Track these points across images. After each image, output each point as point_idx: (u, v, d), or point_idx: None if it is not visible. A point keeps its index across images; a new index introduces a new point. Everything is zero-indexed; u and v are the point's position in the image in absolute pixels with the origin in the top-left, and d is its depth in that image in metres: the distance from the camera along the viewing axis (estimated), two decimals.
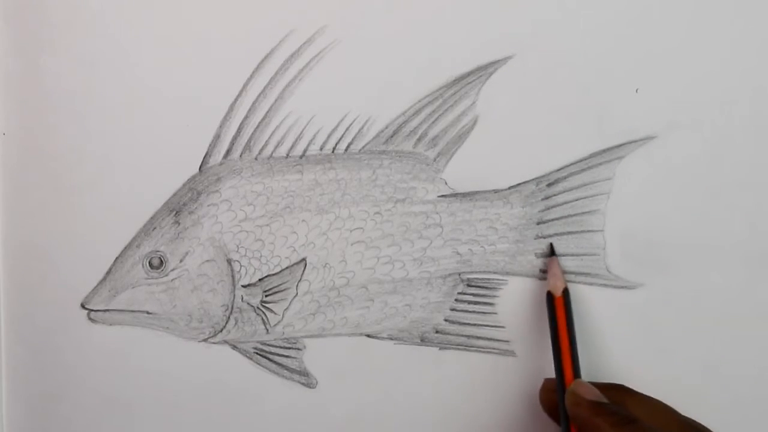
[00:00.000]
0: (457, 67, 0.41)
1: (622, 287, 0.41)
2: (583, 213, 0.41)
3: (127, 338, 0.42)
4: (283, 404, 0.42)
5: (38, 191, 0.42)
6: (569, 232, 0.41)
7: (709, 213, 0.41)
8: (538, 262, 0.41)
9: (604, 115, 0.41)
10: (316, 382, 0.42)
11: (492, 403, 0.42)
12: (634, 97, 0.41)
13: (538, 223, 0.41)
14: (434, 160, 0.41)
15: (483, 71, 0.41)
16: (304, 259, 0.42)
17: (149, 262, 0.42)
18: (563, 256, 0.41)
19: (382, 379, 0.42)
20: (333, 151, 0.41)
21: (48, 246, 0.42)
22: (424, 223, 0.42)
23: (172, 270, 0.42)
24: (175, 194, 0.41)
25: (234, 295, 0.42)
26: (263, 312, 0.42)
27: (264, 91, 0.41)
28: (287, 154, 0.41)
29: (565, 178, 0.41)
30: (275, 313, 0.42)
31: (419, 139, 0.41)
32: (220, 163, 0.41)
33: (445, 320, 0.42)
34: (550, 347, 0.39)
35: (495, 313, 0.42)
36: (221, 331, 0.42)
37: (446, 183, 0.41)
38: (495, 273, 0.42)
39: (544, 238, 0.41)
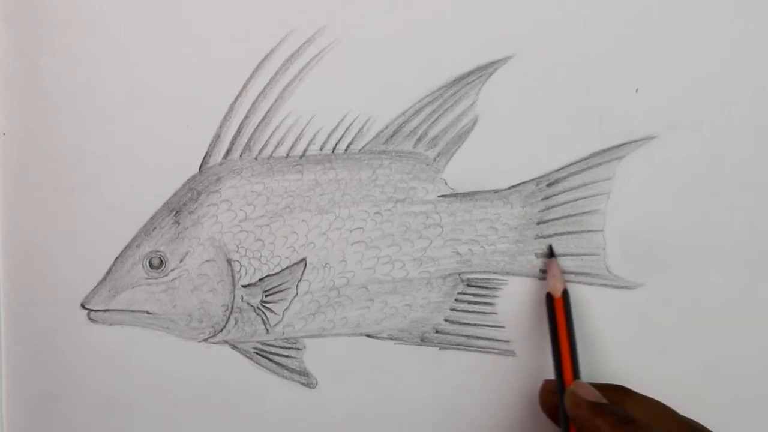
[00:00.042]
0: (457, 67, 0.41)
1: (622, 287, 0.41)
2: (583, 213, 0.41)
3: (127, 338, 0.42)
4: (283, 404, 0.42)
5: (38, 191, 0.42)
6: (569, 232, 0.41)
7: (709, 213, 0.41)
8: (538, 262, 0.41)
9: (604, 115, 0.41)
10: (316, 382, 0.42)
11: (492, 403, 0.42)
12: (634, 97, 0.41)
13: (538, 223, 0.41)
14: (434, 160, 0.41)
15: (483, 71, 0.41)
16: (304, 259, 0.42)
17: (149, 262, 0.42)
18: (563, 256, 0.41)
19: (382, 379, 0.42)
20: (333, 151, 0.41)
21: (48, 246, 0.42)
22: (424, 223, 0.42)
23: (172, 270, 0.42)
24: (175, 194, 0.41)
25: (234, 295, 0.42)
26: (263, 312, 0.42)
27: (264, 91, 0.41)
28: (287, 154, 0.41)
29: (565, 178, 0.41)
30: (275, 313, 0.42)
31: (419, 139, 0.41)
32: (220, 163, 0.41)
33: (445, 320, 0.42)
34: (550, 347, 0.39)
35: (495, 313, 0.42)
36: (221, 331, 0.42)
37: (446, 183, 0.41)
38: (495, 273, 0.42)
39: (544, 238, 0.41)
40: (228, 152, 0.41)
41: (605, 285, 0.41)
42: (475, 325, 0.42)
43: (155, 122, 0.41)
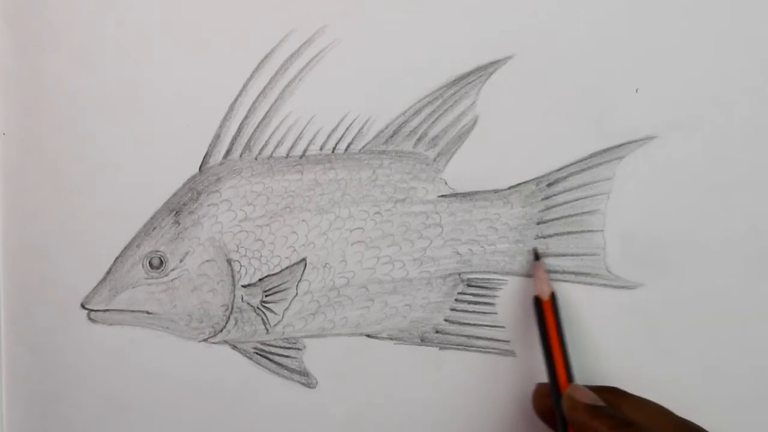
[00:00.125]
0: (457, 67, 0.41)
1: (622, 287, 0.41)
2: (583, 213, 0.41)
3: (127, 338, 0.42)
4: (283, 404, 0.42)
5: (38, 191, 0.42)
6: (569, 232, 0.41)
7: (709, 213, 0.41)
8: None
9: (604, 115, 0.41)
10: (316, 382, 0.42)
11: (492, 403, 0.42)
12: (634, 97, 0.41)
13: (538, 223, 0.41)
14: (434, 160, 0.41)
15: (483, 71, 0.41)
16: (304, 259, 0.42)
17: (149, 262, 0.42)
18: (563, 256, 0.41)
19: (382, 379, 0.42)
20: (333, 151, 0.41)
21: (48, 246, 0.42)
22: (424, 223, 0.42)
23: (172, 270, 0.42)
24: (175, 194, 0.41)
25: (234, 295, 0.42)
26: (263, 312, 0.42)
27: (264, 91, 0.41)
28: (287, 154, 0.41)
29: (565, 178, 0.41)
30: (275, 313, 0.42)
31: (419, 139, 0.41)
32: (220, 163, 0.41)
33: (445, 320, 0.42)
34: (542, 351, 0.39)
35: (495, 313, 0.42)
36: (221, 331, 0.42)
37: (446, 183, 0.41)
38: (495, 273, 0.42)
39: (544, 238, 0.41)
40: (228, 152, 0.41)
41: (605, 285, 0.41)
42: (475, 325, 0.42)
43: (155, 122, 0.41)
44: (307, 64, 0.41)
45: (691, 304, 0.41)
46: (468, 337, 0.42)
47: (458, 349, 0.42)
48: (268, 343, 0.42)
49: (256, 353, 0.42)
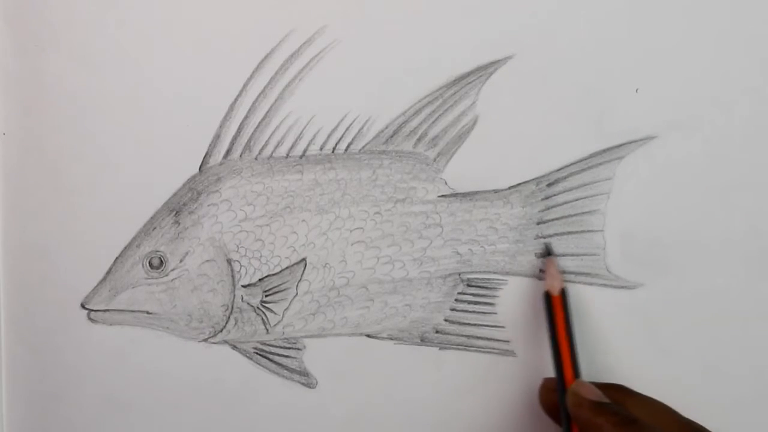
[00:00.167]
0: (457, 67, 0.41)
1: (622, 287, 0.41)
2: (583, 213, 0.41)
3: (127, 338, 0.42)
4: (283, 404, 0.42)
5: (38, 191, 0.42)
6: (569, 232, 0.41)
7: (709, 213, 0.41)
8: (538, 262, 0.41)
9: (604, 115, 0.41)
10: (316, 382, 0.42)
11: (492, 403, 0.42)
12: (634, 97, 0.41)
13: (538, 223, 0.41)
14: (434, 160, 0.41)
15: (483, 71, 0.41)
16: (304, 259, 0.42)
17: (149, 262, 0.42)
18: (563, 256, 0.41)
19: (382, 379, 0.42)
20: (333, 151, 0.41)
21: (48, 246, 0.42)
22: (424, 223, 0.42)
23: (172, 270, 0.42)
24: (175, 194, 0.41)
25: (234, 295, 0.42)
26: (263, 312, 0.42)
27: (264, 91, 0.41)
28: (287, 154, 0.41)
29: (565, 178, 0.41)
30: (275, 313, 0.42)
31: (419, 139, 0.41)
32: (220, 163, 0.41)
33: (445, 320, 0.42)
34: (550, 347, 0.39)
35: (495, 313, 0.42)
36: (221, 331, 0.42)
37: (446, 183, 0.41)
38: (495, 273, 0.42)
39: (544, 238, 0.41)
40: (228, 152, 0.41)
41: (605, 285, 0.41)
42: (475, 325, 0.42)
43: (155, 122, 0.41)
44: (307, 64, 0.41)
45: (691, 304, 0.41)
46: (468, 337, 0.42)
47: (458, 349, 0.42)
48: (268, 343, 0.42)
49: (256, 353, 0.42)
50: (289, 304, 0.42)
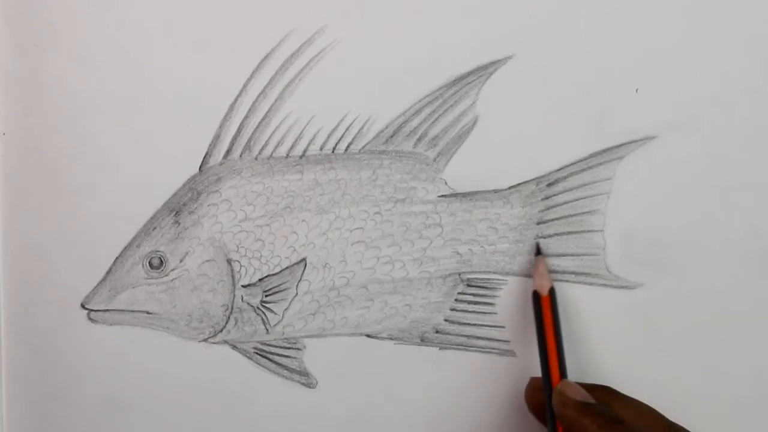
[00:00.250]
0: (457, 67, 0.41)
1: (622, 287, 0.41)
2: (583, 213, 0.41)
3: (127, 338, 0.42)
4: (283, 404, 0.42)
5: (38, 191, 0.42)
6: (569, 232, 0.41)
7: (709, 213, 0.41)
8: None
9: (604, 115, 0.41)
10: (316, 382, 0.42)
11: (492, 403, 0.42)
12: (634, 97, 0.41)
13: (538, 223, 0.41)
14: (434, 160, 0.41)
15: (483, 71, 0.41)
16: (304, 259, 0.42)
17: (149, 262, 0.42)
18: (563, 256, 0.41)
19: (382, 379, 0.42)
20: (333, 151, 0.41)
21: (48, 246, 0.42)
22: (424, 223, 0.42)
23: (172, 270, 0.42)
24: (175, 194, 0.41)
25: (234, 295, 0.42)
26: (263, 312, 0.42)
27: (264, 91, 0.41)
28: (287, 154, 0.41)
29: (565, 178, 0.41)
30: (275, 313, 0.42)
31: (419, 139, 0.41)
32: (220, 163, 0.41)
33: (445, 320, 0.42)
34: (537, 346, 0.39)
35: (495, 313, 0.42)
36: (221, 331, 0.42)
37: (446, 183, 0.41)
38: (495, 273, 0.42)
39: (544, 238, 0.41)
40: (228, 152, 0.41)
41: (605, 285, 0.41)
42: (475, 325, 0.42)
43: (155, 122, 0.41)
44: (307, 64, 0.41)
45: (691, 304, 0.41)
46: (468, 337, 0.42)
47: (458, 349, 0.42)
48: (268, 343, 0.42)
49: (256, 353, 0.42)
50: (289, 304, 0.42)
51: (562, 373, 0.38)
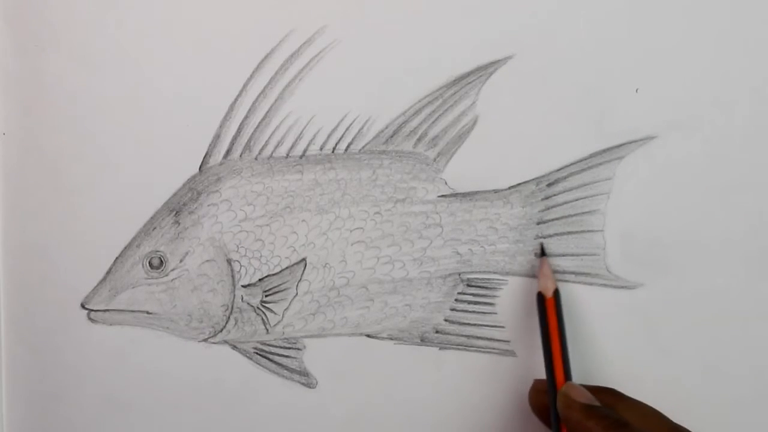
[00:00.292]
0: (457, 67, 0.41)
1: (622, 287, 0.41)
2: (583, 213, 0.41)
3: (127, 338, 0.42)
4: (283, 404, 0.42)
5: (38, 191, 0.42)
6: (569, 232, 0.41)
7: (709, 213, 0.41)
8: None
9: (604, 115, 0.41)
10: (316, 382, 0.42)
11: (492, 403, 0.42)
12: (634, 97, 0.41)
13: (538, 223, 0.41)
14: (434, 160, 0.41)
15: (483, 71, 0.41)
16: (304, 259, 0.42)
17: (149, 262, 0.42)
18: (563, 256, 0.41)
19: (382, 379, 0.42)
20: (333, 151, 0.41)
21: (48, 246, 0.42)
22: (424, 223, 0.42)
23: (172, 270, 0.42)
24: (175, 194, 0.41)
25: (234, 295, 0.42)
26: (263, 312, 0.42)
27: (264, 91, 0.41)
28: (287, 154, 0.41)
29: (565, 178, 0.41)
30: (275, 313, 0.42)
31: (419, 139, 0.41)
32: (220, 163, 0.41)
33: (445, 320, 0.42)
34: (542, 348, 0.39)
35: (495, 313, 0.42)
36: (221, 331, 0.42)
37: (446, 183, 0.41)
38: (495, 273, 0.42)
39: (544, 238, 0.41)
40: (228, 152, 0.41)
41: (605, 285, 0.41)
42: (475, 325, 0.42)
43: (155, 122, 0.41)
44: (307, 64, 0.41)
45: (691, 304, 0.41)
46: (468, 337, 0.42)
47: (458, 349, 0.42)
48: (268, 343, 0.42)
49: (256, 353, 0.42)
50: (289, 304, 0.42)
51: (567, 375, 0.38)
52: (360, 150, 0.41)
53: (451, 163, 0.41)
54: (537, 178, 0.41)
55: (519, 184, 0.41)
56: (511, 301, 0.41)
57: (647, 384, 0.40)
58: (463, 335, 0.42)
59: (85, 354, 0.42)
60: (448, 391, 0.42)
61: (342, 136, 0.41)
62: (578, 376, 0.40)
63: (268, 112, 0.41)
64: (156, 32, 0.41)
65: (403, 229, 0.42)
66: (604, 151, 0.41)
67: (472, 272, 0.42)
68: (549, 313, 0.39)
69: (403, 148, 0.41)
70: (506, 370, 0.42)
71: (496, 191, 0.41)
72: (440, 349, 0.42)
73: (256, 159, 0.41)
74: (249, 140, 0.41)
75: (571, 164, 0.41)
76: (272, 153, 0.41)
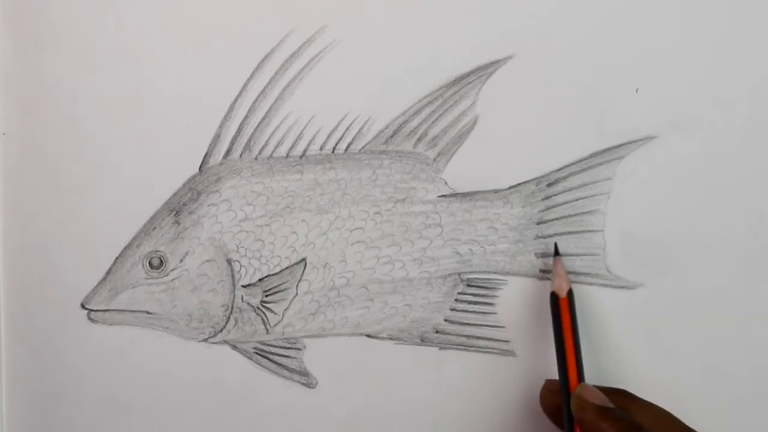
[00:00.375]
0: (457, 67, 0.41)
1: (622, 287, 0.41)
2: (583, 213, 0.41)
3: (127, 338, 0.42)
4: (283, 404, 0.42)
5: (38, 191, 0.42)
6: (569, 232, 0.41)
7: (709, 213, 0.41)
8: (538, 262, 0.41)
9: (604, 115, 0.41)
10: (316, 382, 0.42)
11: (492, 404, 0.42)
12: (634, 97, 0.41)
13: (538, 223, 0.41)
14: (434, 160, 0.41)
15: (483, 71, 0.41)
16: (304, 259, 0.42)
17: (149, 262, 0.42)
18: (563, 256, 0.41)
19: (382, 379, 0.42)
20: (333, 151, 0.41)
21: (48, 246, 0.42)
22: (424, 223, 0.42)
23: (172, 270, 0.42)
24: (175, 194, 0.41)
25: (234, 295, 0.42)
26: (263, 312, 0.42)
27: (264, 91, 0.41)
28: (287, 154, 0.41)
29: (565, 178, 0.41)
30: (275, 313, 0.42)
31: (419, 139, 0.41)
32: (220, 163, 0.41)
33: (445, 320, 0.42)
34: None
35: (495, 313, 0.42)
36: (221, 331, 0.42)
37: (446, 183, 0.41)
38: (495, 273, 0.42)
39: (544, 238, 0.41)
40: (228, 152, 0.41)
41: (605, 285, 0.41)
42: (475, 325, 0.42)
43: (155, 122, 0.41)
44: (307, 64, 0.41)
45: (691, 304, 0.41)
46: (468, 337, 0.42)
47: (458, 349, 0.42)
48: (268, 343, 0.42)
49: (256, 353, 0.42)
50: (289, 304, 0.42)
51: (580, 377, 0.38)
52: (360, 150, 0.41)
53: (451, 163, 0.41)
54: (537, 178, 0.41)
55: (519, 184, 0.41)
56: (511, 301, 0.41)
57: (647, 384, 0.40)
58: (463, 335, 0.42)
59: (85, 354, 0.42)
60: (448, 391, 0.42)
61: (342, 136, 0.41)
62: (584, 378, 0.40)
63: (268, 112, 0.41)
64: (156, 32, 0.41)
65: (403, 229, 0.42)
66: (604, 151, 0.41)
67: (472, 272, 0.42)
68: (563, 313, 0.39)
69: (403, 148, 0.41)
70: (506, 370, 0.42)
71: (496, 191, 0.41)
72: (440, 349, 0.42)
73: (256, 159, 0.41)
74: (249, 140, 0.41)
75: (571, 164, 0.41)
76: (272, 153, 0.41)
